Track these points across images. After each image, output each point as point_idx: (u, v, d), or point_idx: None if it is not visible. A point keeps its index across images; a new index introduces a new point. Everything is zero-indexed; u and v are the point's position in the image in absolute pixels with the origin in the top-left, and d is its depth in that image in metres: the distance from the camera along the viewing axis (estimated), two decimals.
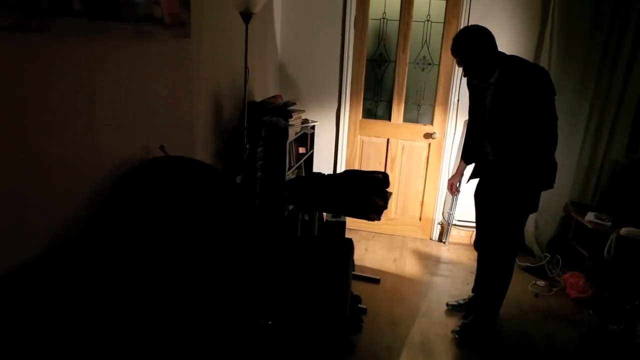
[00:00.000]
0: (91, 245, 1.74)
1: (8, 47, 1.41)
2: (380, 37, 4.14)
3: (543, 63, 3.60)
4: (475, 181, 2.95)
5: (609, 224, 3.39)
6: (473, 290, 3.15)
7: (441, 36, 3.98)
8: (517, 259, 3.86)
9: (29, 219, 1.57)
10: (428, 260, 3.94)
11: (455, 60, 2.58)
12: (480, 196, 2.91)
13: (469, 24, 3.74)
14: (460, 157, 3.11)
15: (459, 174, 3.07)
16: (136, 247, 1.73)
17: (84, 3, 1.64)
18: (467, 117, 3.34)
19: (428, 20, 4.01)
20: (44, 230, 1.64)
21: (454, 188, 3.09)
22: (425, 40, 4.05)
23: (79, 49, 1.70)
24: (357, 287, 3.25)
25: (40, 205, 1.60)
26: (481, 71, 2.52)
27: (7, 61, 1.42)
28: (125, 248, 1.72)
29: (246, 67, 2.76)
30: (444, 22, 3.95)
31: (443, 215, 4.30)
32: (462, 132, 4.00)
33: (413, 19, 4.00)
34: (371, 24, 4.10)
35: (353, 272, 3.28)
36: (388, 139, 4.27)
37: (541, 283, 3.57)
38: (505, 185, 2.65)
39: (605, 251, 3.25)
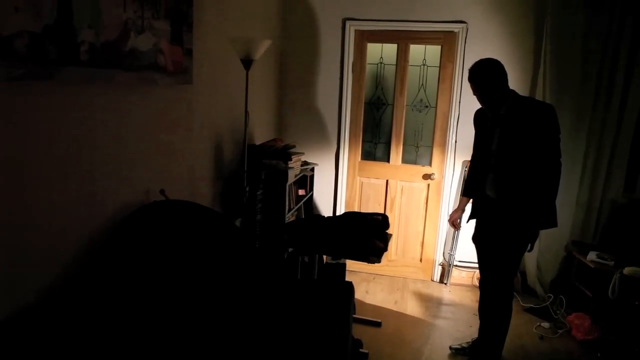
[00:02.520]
0: (90, 289, 1.72)
1: (16, 96, 1.45)
2: (378, 80, 4.24)
3: (538, 97, 3.67)
4: (474, 222, 2.95)
5: (611, 263, 3.36)
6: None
7: (437, 79, 4.07)
8: (520, 299, 3.83)
9: (29, 263, 1.56)
10: (430, 302, 3.89)
11: (472, 88, 2.67)
12: (479, 236, 2.90)
13: (464, 68, 3.88)
14: (461, 193, 3.16)
15: (460, 209, 3.09)
16: (136, 291, 1.72)
17: (90, 53, 1.69)
18: (465, 158, 3.35)
19: (424, 65, 4.12)
20: (44, 274, 1.63)
21: (456, 223, 3.09)
22: (422, 84, 4.15)
23: (83, 96, 1.75)
24: (358, 331, 3.19)
25: (40, 250, 1.60)
26: (494, 99, 2.62)
27: (13, 109, 1.45)
28: (125, 292, 1.71)
29: (246, 112, 2.82)
30: (440, 66, 4.05)
31: (444, 255, 4.27)
32: (461, 173, 4.03)
33: (409, 64, 4.11)
34: (369, 68, 4.21)
35: (354, 315, 3.23)
36: (387, 180, 4.30)
37: (546, 325, 3.51)
38: (505, 223, 2.67)
39: (610, 291, 3.21)
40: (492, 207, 2.74)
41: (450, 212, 3.22)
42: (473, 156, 2.97)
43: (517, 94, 2.67)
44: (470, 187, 2.98)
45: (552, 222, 2.66)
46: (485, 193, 2.77)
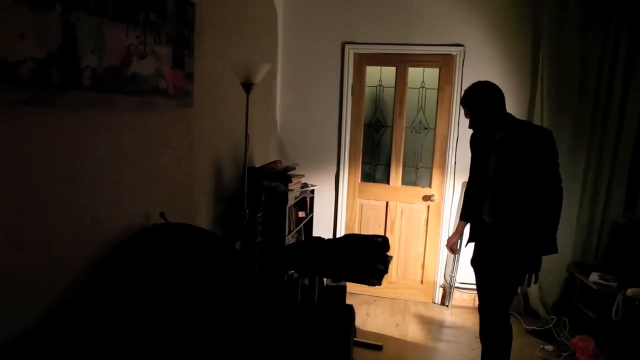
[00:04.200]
0: (90, 313, 1.71)
1: (19, 121, 1.47)
2: (377, 103, 4.27)
3: (535, 122, 3.69)
4: (472, 246, 2.93)
5: (614, 284, 3.34)
6: None
7: (436, 101, 4.11)
8: (522, 321, 3.79)
9: (28, 286, 1.56)
10: (431, 325, 3.85)
11: (464, 112, 2.62)
12: (477, 260, 2.83)
13: (462, 90, 3.92)
14: (459, 216, 3.06)
15: (458, 233, 3.02)
16: (136, 315, 1.70)
17: (93, 78, 1.72)
18: (465, 179, 3.35)
19: (422, 87, 4.16)
20: (44, 297, 1.62)
21: (454, 247, 3.03)
22: (421, 106, 4.18)
23: (85, 120, 1.76)
24: (359, 354, 3.15)
25: (40, 272, 1.60)
26: (488, 124, 2.56)
27: (17, 134, 1.47)
28: (125, 315, 1.69)
29: (247, 135, 2.84)
30: (438, 88, 4.09)
31: (445, 277, 4.24)
32: (461, 194, 4.04)
33: (408, 86, 4.16)
34: (368, 90, 4.25)
35: (354, 339, 3.19)
36: (387, 202, 4.29)
37: (549, 347, 3.47)
38: (503, 248, 2.61)
39: (613, 313, 3.18)
40: (489, 232, 2.69)
41: (449, 236, 3.15)
42: (469, 180, 2.91)
43: (513, 117, 2.60)
44: (468, 211, 2.92)
45: (552, 249, 2.57)
46: (482, 218, 2.71)
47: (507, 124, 2.55)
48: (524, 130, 2.55)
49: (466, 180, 3.02)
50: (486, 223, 2.69)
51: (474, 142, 2.81)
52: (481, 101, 2.52)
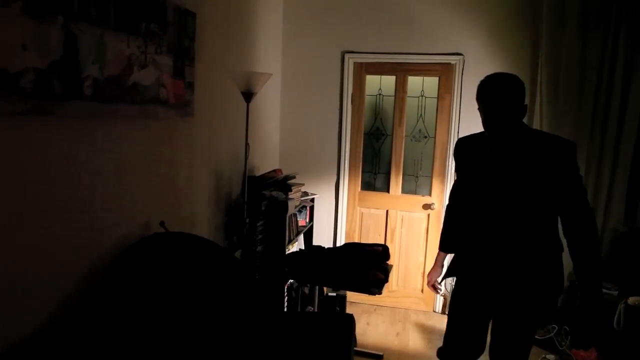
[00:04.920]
0: (89, 322, 1.70)
1: (20, 131, 1.47)
2: (377, 111, 4.29)
3: None
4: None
5: (615, 293, 3.33)
6: None
7: (435, 110, 4.12)
8: None
9: (27, 295, 1.55)
10: (432, 334, 3.83)
11: (483, 106, 1.99)
12: (468, 302, 2.21)
13: (461, 98, 3.94)
14: (439, 246, 2.47)
15: (438, 267, 2.43)
16: (135, 324, 1.69)
17: (94, 87, 1.72)
18: None
19: (422, 96, 4.17)
20: (43, 307, 1.62)
21: (437, 285, 2.45)
22: (421, 114, 4.20)
23: (85, 130, 1.77)
24: None
25: (39, 282, 1.59)
26: (510, 126, 1.96)
27: (18, 143, 1.47)
28: (125, 325, 1.69)
29: (247, 144, 2.84)
30: (438, 97, 4.11)
31: (445, 286, 4.23)
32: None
33: (408, 95, 4.17)
34: (368, 99, 4.26)
35: (355, 348, 3.17)
36: (387, 211, 4.29)
37: (551, 357, 3.45)
38: (522, 286, 2.03)
39: (615, 322, 3.17)
40: (496, 264, 2.06)
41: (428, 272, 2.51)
42: (455, 199, 2.36)
43: (525, 124, 2.09)
44: (453, 239, 2.35)
45: (597, 290, 1.99)
46: (481, 245, 2.10)
47: (524, 129, 2.03)
48: (545, 139, 2.03)
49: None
50: (488, 252, 2.08)
51: (464, 153, 2.22)
52: (515, 94, 1.95)
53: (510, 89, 1.95)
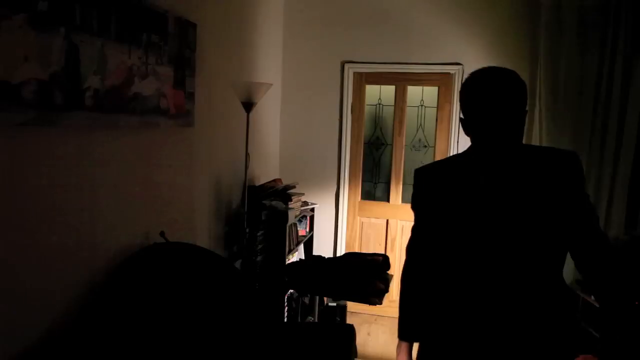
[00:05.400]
0: (89, 333, 1.69)
1: (21, 141, 1.47)
2: (377, 121, 4.30)
3: (534, 141, 3.71)
4: None
5: None
6: None
7: (435, 119, 4.14)
8: None
9: (27, 306, 1.55)
10: None
11: (477, 108, 1.40)
12: None
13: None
14: (400, 333, 1.63)
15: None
16: (135, 335, 1.69)
17: (95, 98, 1.73)
18: None
19: (422, 105, 4.19)
20: (43, 317, 1.61)
21: None
22: (420, 124, 4.21)
23: (86, 140, 1.78)
24: None
25: (38, 292, 1.59)
26: (516, 133, 1.39)
27: (19, 154, 1.48)
28: (124, 336, 1.68)
29: (247, 154, 2.85)
30: (437, 107, 4.12)
31: None
32: None
33: (407, 104, 4.18)
34: (367, 109, 4.28)
35: (355, 359, 3.15)
36: (387, 220, 4.29)
37: None
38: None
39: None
40: (502, 338, 1.44)
41: None
42: (421, 255, 1.65)
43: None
44: (422, 317, 1.59)
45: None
46: (477, 316, 1.45)
47: (522, 147, 1.45)
48: (545, 156, 1.49)
49: None
50: (493, 325, 1.44)
51: (440, 187, 1.54)
52: (521, 96, 1.40)
53: (515, 89, 1.39)
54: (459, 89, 1.48)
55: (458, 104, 3.92)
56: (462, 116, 1.45)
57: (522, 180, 1.42)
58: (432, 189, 1.57)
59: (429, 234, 1.60)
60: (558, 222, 1.43)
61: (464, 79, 1.40)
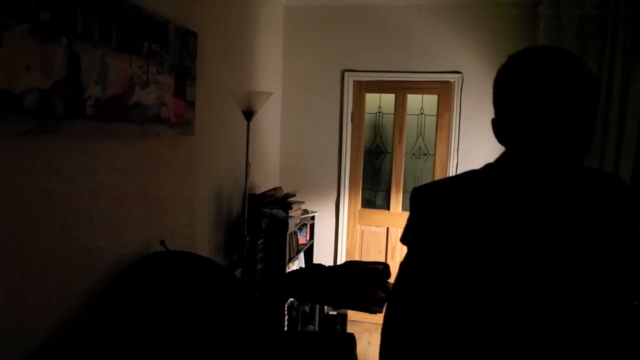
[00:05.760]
0: (89, 342, 1.69)
1: (22, 150, 1.48)
2: (377, 129, 4.31)
3: None
4: None
5: None
6: None
7: (435, 127, 4.15)
8: None
9: (27, 314, 1.54)
10: None
11: (503, 117, 1.05)
12: None
13: (460, 116, 3.96)
14: None
15: None
16: (135, 345, 1.68)
17: (96, 107, 1.74)
18: None
19: (422, 113, 4.20)
20: (43, 325, 1.61)
21: None
22: (420, 132, 4.22)
23: (87, 149, 1.78)
24: None
25: (39, 301, 1.58)
26: (584, 139, 0.93)
27: (20, 163, 1.48)
28: (124, 345, 1.67)
29: (247, 162, 2.85)
30: (437, 115, 4.13)
31: None
32: None
33: (407, 112, 4.20)
34: (367, 117, 4.29)
35: None
36: (388, 228, 4.28)
37: None
38: None
39: None
40: None
41: None
42: (420, 306, 1.10)
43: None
44: None
45: None
46: None
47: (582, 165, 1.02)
48: (597, 183, 1.07)
49: None
50: None
51: (462, 217, 1.03)
52: (595, 91, 0.96)
53: (588, 80, 0.92)
54: (495, 77, 1.06)
55: (458, 112, 3.98)
56: (495, 116, 1.06)
57: (583, 221, 0.99)
58: (442, 220, 1.06)
59: (432, 283, 1.08)
60: (606, 265, 1.00)
61: (505, 61, 1.04)
